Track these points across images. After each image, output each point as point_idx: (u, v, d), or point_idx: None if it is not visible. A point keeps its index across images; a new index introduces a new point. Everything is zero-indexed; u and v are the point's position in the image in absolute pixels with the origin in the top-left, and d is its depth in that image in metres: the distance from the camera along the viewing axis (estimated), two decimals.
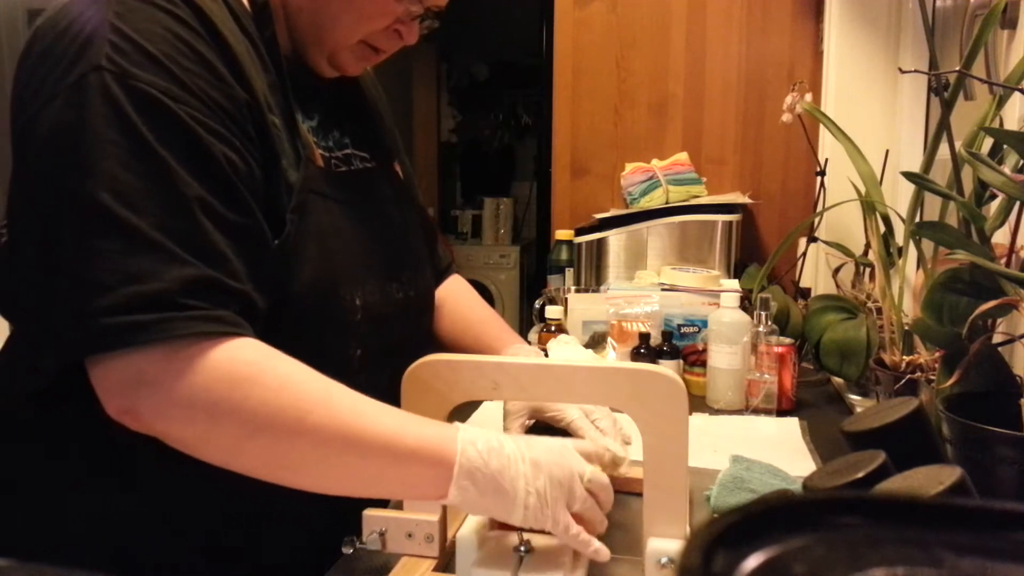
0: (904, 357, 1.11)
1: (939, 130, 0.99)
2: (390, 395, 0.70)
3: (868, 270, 1.47)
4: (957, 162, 0.95)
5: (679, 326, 1.49)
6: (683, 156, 2.01)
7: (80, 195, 0.61)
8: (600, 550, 0.68)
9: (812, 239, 1.66)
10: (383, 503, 0.87)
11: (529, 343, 1.55)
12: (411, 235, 0.94)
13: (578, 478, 0.67)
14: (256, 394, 0.61)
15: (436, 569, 0.72)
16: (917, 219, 1.11)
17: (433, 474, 0.64)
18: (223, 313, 0.63)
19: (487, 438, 0.66)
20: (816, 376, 1.43)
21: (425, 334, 0.97)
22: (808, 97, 1.56)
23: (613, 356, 1.40)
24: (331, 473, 0.65)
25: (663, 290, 1.59)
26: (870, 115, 1.73)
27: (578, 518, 0.67)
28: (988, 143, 0.96)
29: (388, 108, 1.03)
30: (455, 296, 1.07)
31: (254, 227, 0.68)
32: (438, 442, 0.65)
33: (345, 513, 0.75)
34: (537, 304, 1.70)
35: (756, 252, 2.02)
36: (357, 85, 0.94)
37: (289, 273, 0.72)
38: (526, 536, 0.69)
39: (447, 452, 0.64)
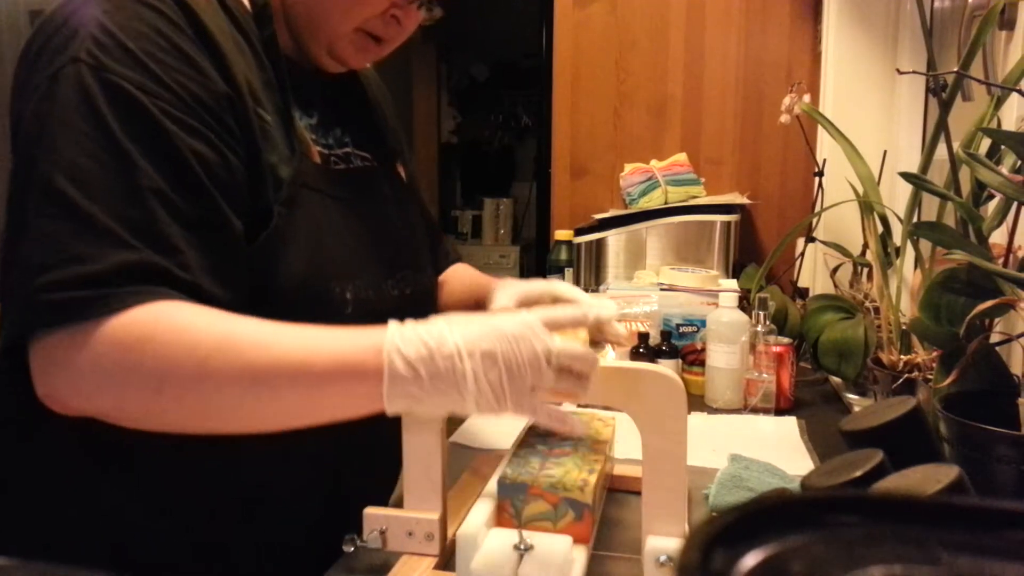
0: (902, 356, 1.11)
1: (937, 131, 0.99)
2: None
3: (866, 270, 1.47)
4: (955, 162, 0.95)
5: (678, 326, 1.50)
6: (682, 157, 2.01)
7: (39, 179, 0.62)
8: (574, 427, 0.66)
9: (810, 239, 1.66)
10: (381, 500, 0.87)
11: None
12: (412, 235, 0.93)
13: (543, 358, 0.62)
14: (151, 351, 0.60)
15: (436, 567, 0.72)
16: (915, 219, 1.11)
17: (362, 391, 0.61)
18: (157, 291, 0.62)
19: (421, 340, 0.61)
20: (814, 375, 1.43)
21: None
22: (806, 98, 1.56)
23: (612, 356, 1.41)
24: (254, 413, 0.63)
25: (662, 290, 1.59)
26: (868, 116, 1.73)
27: (554, 393, 0.65)
28: (986, 144, 0.97)
29: (394, 111, 1.03)
30: (455, 272, 1.07)
31: (218, 222, 0.67)
32: (358, 358, 0.61)
33: (345, 510, 0.75)
34: None
35: (754, 252, 2.02)
36: (361, 86, 0.94)
37: (277, 264, 0.72)
38: (526, 534, 0.69)
39: (370, 367, 0.61)
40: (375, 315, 0.80)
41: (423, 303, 0.94)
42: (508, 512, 0.74)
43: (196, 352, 0.61)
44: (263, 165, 0.72)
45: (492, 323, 0.63)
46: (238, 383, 0.61)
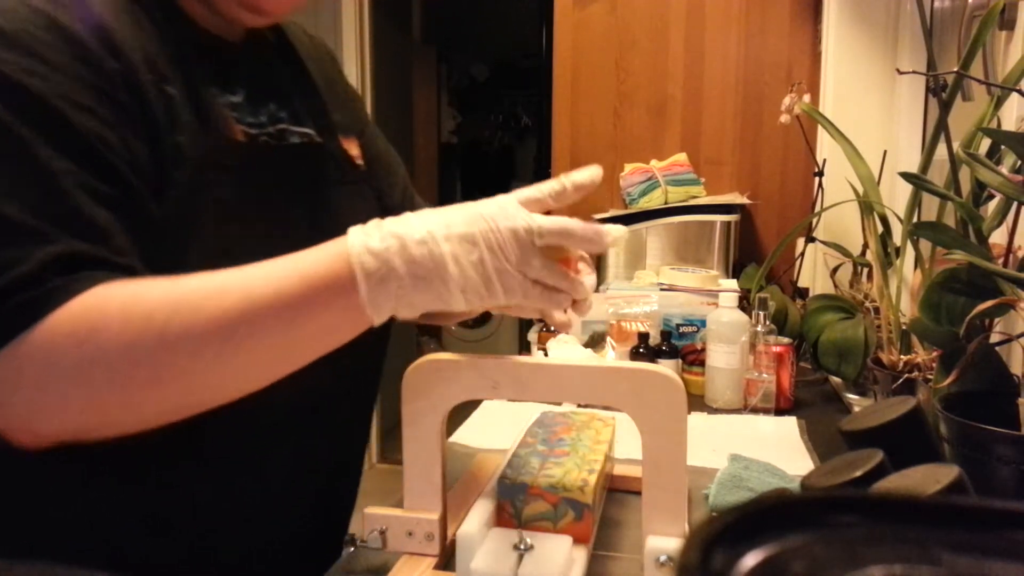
0: (902, 356, 1.11)
1: (937, 131, 0.99)
2: (333, 395, 0.64)
3: (866, 270, 1.47)
4: (955, 162, 0.95)
5: (678, 326, 1.50)
6: (682, 157, 2.02)
7: None
8: (568, 318, 0.62)
9: (810, 239, 1.66)
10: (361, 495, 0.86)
11: (529, 343, 1.55)
12: (358, 217, 0.87)
13: (525, 235, 0.58)
14: (106, 336, 0.55)
15: (436, 567, 0.72)
16: (915, 219, 1.11)
17: (341, 304, 0.57)
18: (94, 275, 0.56)
19: (389, 232, 0.57)
20: (814, 375, 1.43)
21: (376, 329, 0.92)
22: (806, 98, 1.56)
23: (612, 356, 1.41)
24: (239, 367, 0.58)
25: (662, 290, 1.59)
26: (868, 116, 1.73)
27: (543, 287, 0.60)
28: (986, 143, 0.97)
29: (344, 82, 0.92)
30: None
31: (136, 203, 0.62)
32: (327, 270, 0.57)
33: (335, 515, 0.74)
34: None
35: (754, 252, 2.02)
36: (296, 57, 0.85)
37: (174, 254, 0.64)
38: (526, 534, 0.69)
39: (343, 275, 0.57)
40: None
41: None
42: (508, 512, 0.74)
43: (154, 321, 0.55)
44: (168, 144, 0.65)
45: (463, 207, 0.59)
46: (211, 338, 0.56)
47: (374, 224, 0.59)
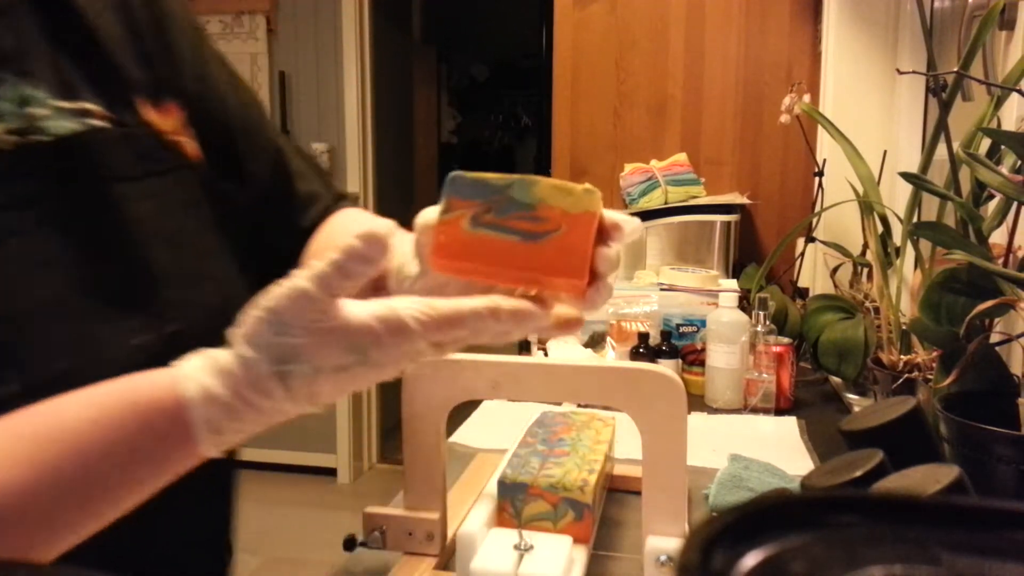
0: (902, 356, 1.11)
1: (937, 131, 0.99)
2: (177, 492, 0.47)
3: (866, 270, 1.47)
4: (955, 162, 0.95)
5: (678, 326, 1.50)
6: (682, 157, 2.02)
7: None
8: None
9: (810, 239, 1.66)
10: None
11: (529, 343, 1.56)
12: (170, 225, 0.57)
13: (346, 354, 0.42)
14: None
15: (436, 567, 0.72)
16: (915, 219, 1.11)
17: (181, 454, 0.44)
18: None
19: (222, 386, 0.43)
20: (814, 375, 1.44)
21: None
22: (806, 98, 1.56)
23: (612, 356, 1.41)
24: (77, 530, 0.44)
25: (662, 290, 1.59)
26: (868, 116, 1.73)
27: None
28: (986, 144, 0.97)
29: (162, 14, 0.61)
30: (333, 225, 0.68)
31: None
32: (166, 416, 0.43)
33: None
34: None
35: (754, 252, 2.02)
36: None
37: None
38: (526, 534, 0.69)
39: (178, 437, 0.43)
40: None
41: (210, 330, 0.48)
42: (508, 512, 0.74)
43: None
44: None
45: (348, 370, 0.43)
46: (37, 531, 0.43)
47: (207, 365, 0.44)
